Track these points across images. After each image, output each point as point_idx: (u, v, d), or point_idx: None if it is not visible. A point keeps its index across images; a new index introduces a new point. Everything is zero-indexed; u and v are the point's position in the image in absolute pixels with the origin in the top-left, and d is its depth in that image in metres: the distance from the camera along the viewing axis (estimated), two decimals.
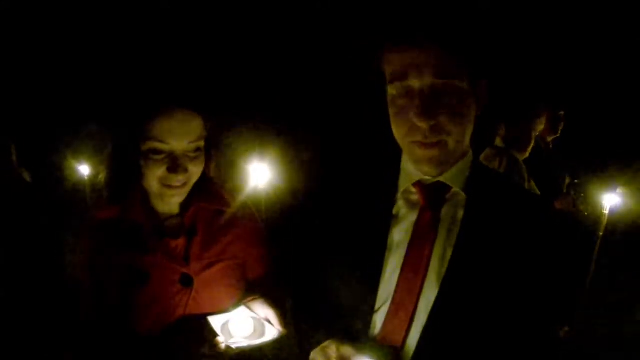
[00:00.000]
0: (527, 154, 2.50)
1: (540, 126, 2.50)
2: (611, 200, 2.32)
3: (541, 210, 1.06)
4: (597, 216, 2.38)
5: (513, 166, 2.36)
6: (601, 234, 2.28)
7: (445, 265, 0.99)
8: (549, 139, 2.99)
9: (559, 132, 2.99)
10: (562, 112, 2.95)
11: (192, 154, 1.16)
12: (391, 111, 1.00)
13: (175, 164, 1.13)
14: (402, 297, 0.99)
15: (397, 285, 1.00)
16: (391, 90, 0.98)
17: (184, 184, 1.17)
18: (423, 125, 0.92)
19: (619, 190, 2.35)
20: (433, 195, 1.04)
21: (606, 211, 2.29)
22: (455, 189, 1.04)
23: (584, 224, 2.53)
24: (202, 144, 1.18)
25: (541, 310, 0.99)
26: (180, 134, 1.12)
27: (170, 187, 1.15)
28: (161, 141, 1.11)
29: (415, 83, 0.93)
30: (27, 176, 2.53)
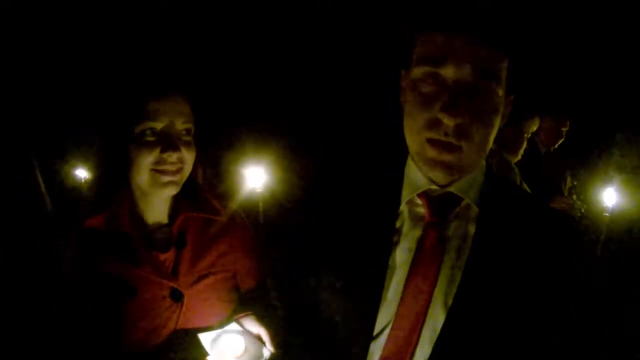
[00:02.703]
0: (519, 157, 2.46)
1: (533, 127, 2.46)
2: (611, 201, 2.30)
3: (561, 226, 0.94)
4: (597, 218, 2.36)
5: (505, 170, 2.31)
6: (602, 237, 2.27)
7: (454, 289, 0.87)
8: (555, 144, 2.95)
9: (563, 138, 2.95)
10: (568, 122, 2.90)
11: (184, 137, 1.16)
12: (410, 97, 0.86)
13: (168, 142, 1.12)
14: (403, 324, 0.87)
15: (398, 311, 0.88)
16: (417, 72, 0.84)
17: (178, 170, 1.15)
18: (449, 122, 0.80)
19: (619, 191, 2.34)
20: (441, 208, 0.92)
21: (607, 214, 2.28)
22: (467, 201, 0.91)
23: (586, 228, 2.51)
24: (192, 127, 1.19)
25: (556, 333, 0.89)
26: (173, 114, 1.13)
27: (163, 172, 1.13)
28: (155, 120, 1.11)
29: (450, 72, 0.80)
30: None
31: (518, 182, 2.33)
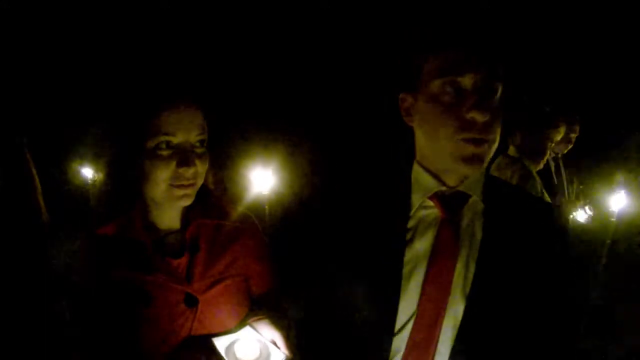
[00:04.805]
0: (541, 165, 2.45)
1: (558, 136, 2.45)
2: (618, 206, 2.30)
3: (553, 216, 1.08)
4: (604, 222, 2.35)
5: (526, 179, 2.29)
6: (609, 241, 2.26)
7: (470, 279, 0.97)
8: (564, 150, 2.93)
9: (572, 144, 2.93)
10: (578, 127, 2.88)
11: (198, 149, 1.16)
12: (435, 109, 0.97)
13: (184, 157, 1.12)
14: (426, 316, 0.97)
15: (420, 304, 0.97)
16: (435, 85, 0.96)
17: (192, 184, 1.15)
18: (480, 118, 0.91)
19: (626, 195, 2.33)
20: (451, 206, 1.03)
21: (614, 218, 2.27)
22: (474, 197, 1.03)
23: (592, 231, 2.51)
24: (206, 138, 1.18)
25: (564, 318, 0.99)
26: (188, 127, 1.13)
27: (180, 187, 1.13)
28: (170, 134, 1.11)
29: (469, 79, 0.93)
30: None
31: (539, 190, 2.32)
